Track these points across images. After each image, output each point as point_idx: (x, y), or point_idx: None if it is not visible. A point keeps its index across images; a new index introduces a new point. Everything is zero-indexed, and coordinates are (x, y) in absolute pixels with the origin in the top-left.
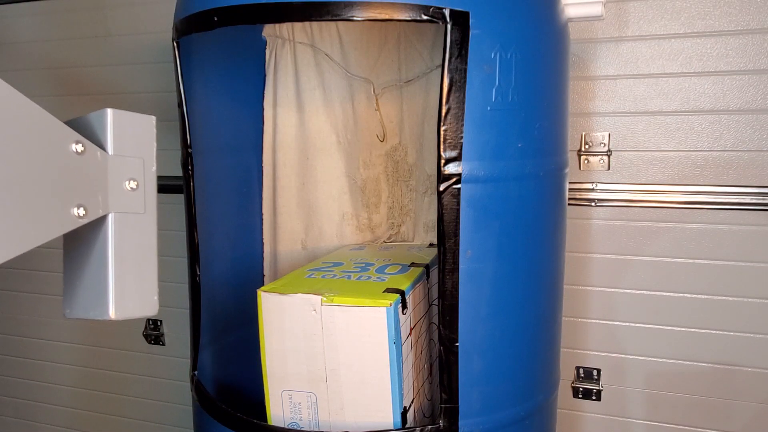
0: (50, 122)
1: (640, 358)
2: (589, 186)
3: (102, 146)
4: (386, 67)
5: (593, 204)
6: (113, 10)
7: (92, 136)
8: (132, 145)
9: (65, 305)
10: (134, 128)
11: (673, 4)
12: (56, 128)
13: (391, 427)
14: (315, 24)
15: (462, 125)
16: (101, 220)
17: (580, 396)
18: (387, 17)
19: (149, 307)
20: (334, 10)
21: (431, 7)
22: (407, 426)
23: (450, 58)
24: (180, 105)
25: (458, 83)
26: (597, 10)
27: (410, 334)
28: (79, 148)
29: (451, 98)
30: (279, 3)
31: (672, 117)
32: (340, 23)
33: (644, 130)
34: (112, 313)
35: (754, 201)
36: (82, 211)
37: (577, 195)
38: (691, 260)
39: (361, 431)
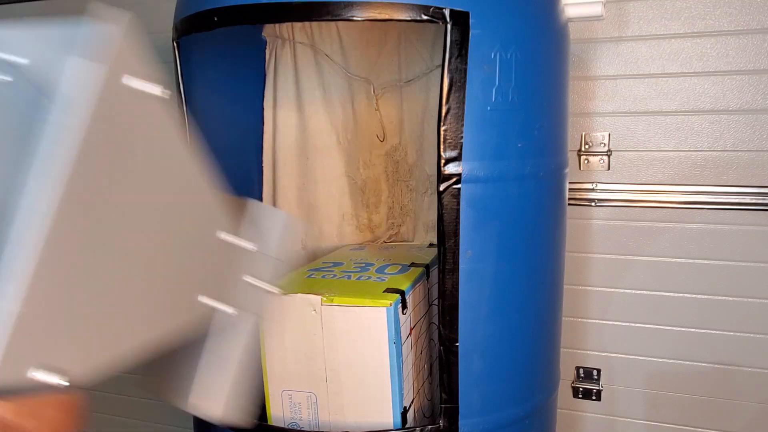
0: (214, 210)
1: (640, 358)
2: (589, 186)
3: (258, 240)
4: (386, 68)
5: (593, 204)
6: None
7: (241, 224)
8: (275, 245)
9: (158, 389)
10: (272, 223)
11: (673, 4)
12: (216, 218)
13: (391, 427)
14: (315, 24)
15: (462, 125)
16: (222, 316)
17: (580, 396)
18: (387, 17)
19: (231, 412)
20: (334, 10)
21: (431, 7)
22: (407, 426)
23: (450, 58)
24: (180, 105)
25: (458, 83)
26: (597, 10)
27: (410, 334)
28: (228, 239)
29: (451, 98)
30: (279, 3)
31: (672, 117)
32: (340, 23)
33: (644, 130)
34: (189, 406)
35: (754, 201)
36: (212, 303)
37: (577, 195)
38: (691, 260)
39: (361, 431)
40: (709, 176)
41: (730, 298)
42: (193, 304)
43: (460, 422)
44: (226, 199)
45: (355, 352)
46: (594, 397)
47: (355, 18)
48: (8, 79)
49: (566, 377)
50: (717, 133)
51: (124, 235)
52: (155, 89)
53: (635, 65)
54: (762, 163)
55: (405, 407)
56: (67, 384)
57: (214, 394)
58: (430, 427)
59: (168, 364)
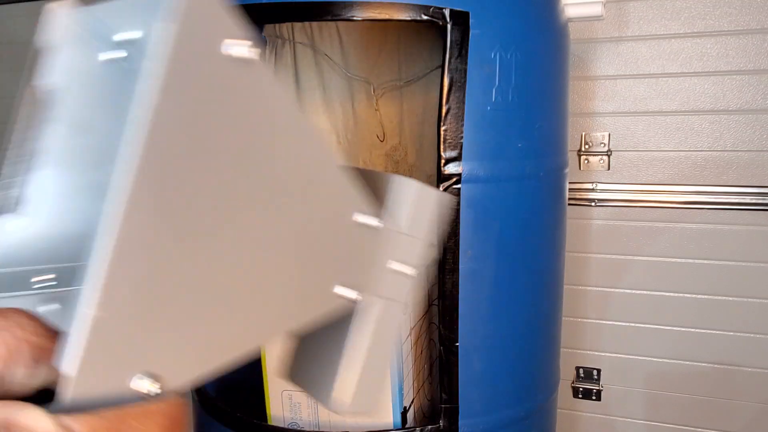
0: (345, 186)
1: (640, 358)
2: (589, 186)
3: (388, 217)
4: (386, 68)
5: (593, 204)
6: None
7: (375, 202)
8: (412, 222)
9: (290, 375)
10: (419, 203)
11: (673, 4)
12: (348, 194)
13: (391, 427)
14: (315, 24)
15: (462, 125)
16: (361, 304)
17: (580, 396)
18: (387, 17)
19: (373, 407)
20: (334, 10)
21: (431, 7)
22: (407, 426)
23: (450, 58)
24: None
25: (458, 83)
26: (597, 10)
27: (410, 334)
28: (364, 220)
29: (451, 98)
30: (279, 3)
31: (672, 117)
32: (340, 23)
33: (644, 130)
34: (347, 407)
35: (754, 201)
36: (347, 292)
37: (577, 195)
38: (691, 260)
39: (361, 431)
40: (709, 176)
41: (730, 298)
42: (323, 294)
43: (460, 422)
44: (356, 173)
45: None
46: (594, 397)
47: (355, 18)
48: (123, 54)
49: (566, 377)
50: (717, 133)
51: (235, 222)
52: (244, 50)
53: (635, 65)
54: (762, 163)
55: (405, 407)
56: (159, 392)
57: (342, 384)
58: (430, 427)
59: (305, 354)
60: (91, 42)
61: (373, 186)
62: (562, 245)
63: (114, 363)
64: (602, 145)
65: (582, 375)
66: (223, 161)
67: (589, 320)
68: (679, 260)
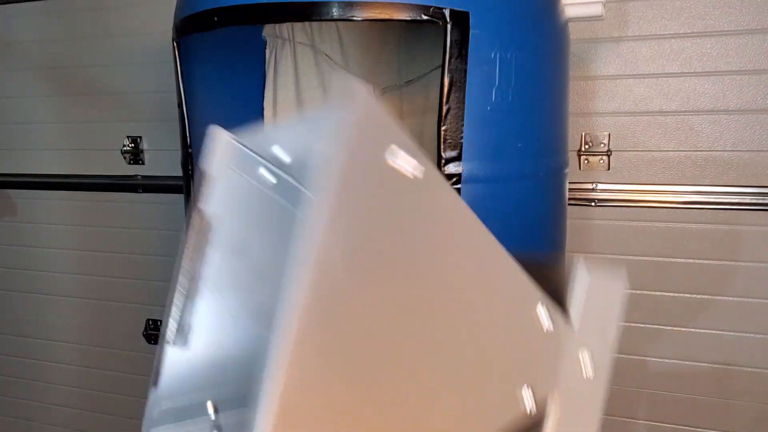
0: (521, 282)
1: (640, 358)
2: (589, 186)
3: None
4: (386, 68)
5: (593, 204)
6: (113, 10)
7: (552, 295)
8: (597, 313)
9: None
10: (604, 296)
11: (673, 4)
12: (526, 290)
13: None
14: (315, 24)
15: (462, 125)
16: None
17: None
18: (387, 17)
19: None
20: (334, 10)
21: (431, 7)
22: None
23: (450, 58)
24: (180, 105)
25: (458, 83)
26: (597, 10)
27: None
28: (545, 317)
29: (451, 98)
30: (279, 3)
31: (672, 117)
32: (340, 23)
33: (644, 130)
34: None
35: (754, 201)
36: (530, 396)
37: (577, 195)
38: (691, 260)
39: None
40: (709, 176)
41: (730, 298)
42: (508, 399)
43: None
44: (535, 265)
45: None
46: None
47: (355, 18)
48: (273, 181)
49: None
50: (717, 133)
51: (413, 340)
52: (410, 166)
53: (635, 65)
54: (762, 163)
55: None
56: None
57: None
58: None
59: None
60: (246, 169)
61: (565, 275)
62: (562, 245)
63: None
64: (602, 145)
65: None
66: (394, 276)
67: None
68: (679, 260)
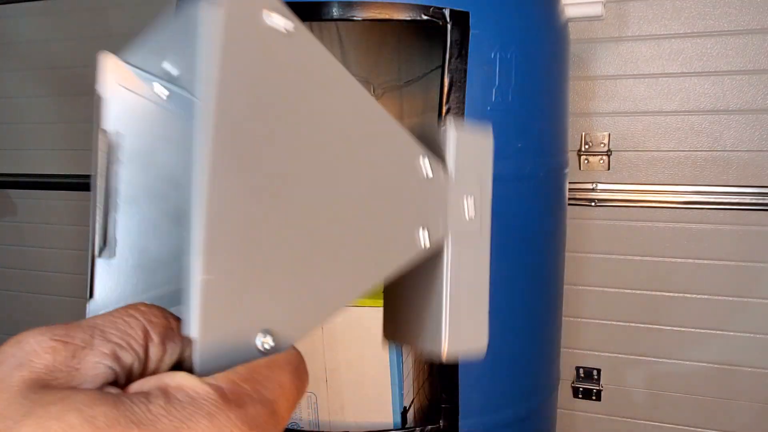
0: (402, 136)
1: (640, 358)
2: (589, 186)
3: (441, 163)
4: (386, 68)
5: (593, 204)
6: (113, 10)
7: (432, 151)
8: (470, 163)
9: (388, 333)
10: (472, 143)
11: (673, 4)
12: (407, 143)
13: (391, 427)
14: (315, 24)
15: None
16: (437, 248)
17: (580, 396)
18: (387, 17)
19: (479, 345)
20: (334, 10)
21: (431, 7)
22: (407, 426)
23: (450, 58)
24: None
25: (458, 83)
26: (597, 10)
27: None
28: (426, 166)
29: (451, 98)
30: None
31: (672, 117)
32: (340, 23)
33: (644, 130)
34: (443, 352)
35: (754, 201)
36: (426, 236)
37: (577, 195)
38: (691, 260)
39: (361, 431)
40: (709, 176)
41: (730, 298)
42: (403, 242)
43: (460, 422)
44: (415, 124)
45: (355, 352)
46: (594, 397)
47: (355, 18)
48: (165, 94)
49: (566, 377)
50: (717, 133)
51: (314, 180)
52: (282, 23)
53: (635, 65)
54: (762, 163)
55: (405, 407)
56: (273, 346)
57: (428, 331)
58: (430, 427)
59: (398, 311)
60: (137, 86)
61: (426, 136)
62: (562, 245)
63: (230, 322)
64: (602, 145)
65: (582, 375)
66: (289, 127)
67: (589, 320)
68: (679, 260)
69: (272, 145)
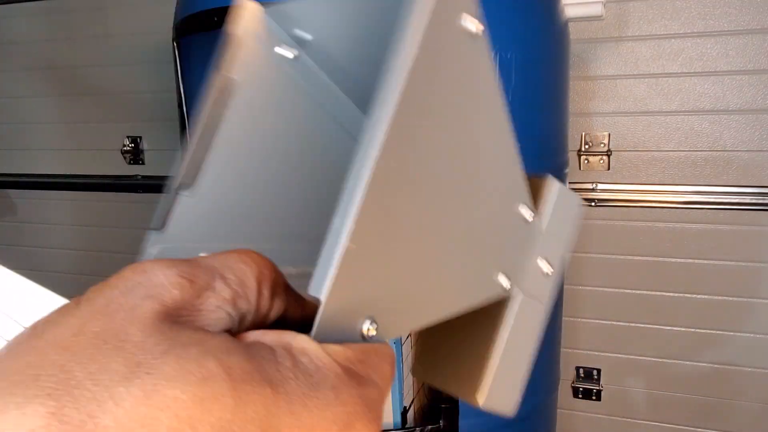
0: (518, 174)
1: (640, 358)
2: (589, 186)
3: (539, 213)
4: None
5: (593, 204)
6: (113, 10)
7: (536, 201)
8: (560, 223)
9: (425, 371)
10: (567, 205)
11: (673, 4)
12: (519, 183)
13: (391, 427)
14: None
15: None
16: (506, 297)
17: (580, 396)
18: None
19: (511, 405)
20: None
21: None
22: (407, 426)
23: None
24: (180, 105)
25: None
26: (597, 10)
27: (410, 334)
28: (527, 213)
29: None
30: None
31: (672, 117)
32: None
33: (644, 130)
34: (481, 401)
35: (754, 201)
36: (506, 281)
37: None
38: (691, 260)
39: None
40: (709, 176)
41: (730, 298)
42: (484, 280)
43: (460, 422)
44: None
45: None
46: (594, 397)
47: None
48: (291, 55)
49: (566, 377)
50: (717, 133)
51: (446, 187)
52: (473, 25)
53: (635, 65)
54: (762, 163)
55: (405, 407)
56: (375, 335)
57: (471, 376)
58: (430, 427)
59: (442, 349)
60: (270, 39)
61: (540, 189)
62: None
63: (352, 296)
64: (602, 145)
65: (582, 375)
66: (447, 130)
67: (589, 320)
68: (679, 260)
69: (429, 143)
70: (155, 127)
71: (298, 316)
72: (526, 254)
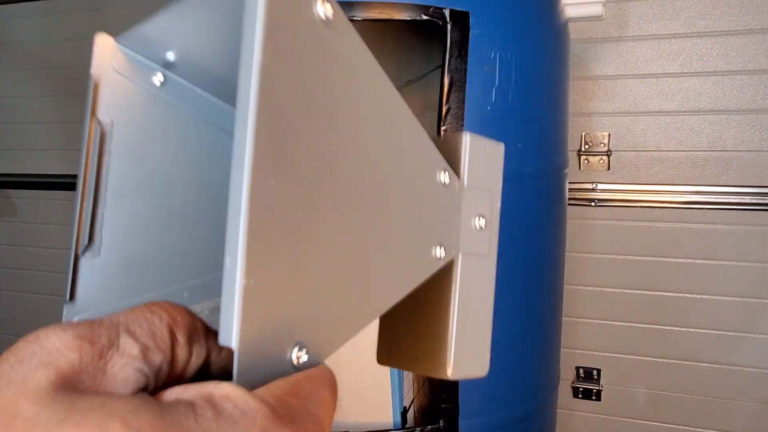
0: (426, 145)
1: (640, 358)
2: (589, 186)
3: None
4: (386, 68)
5: (593, 204)
6: (113, 10)
7: (448, 161)
8: (483, 176)
9: (380, 352)
10: (486, 156)
11: (673, 4)
12: (430, 152)
13: (391, 427)
14: None
15: (462, 125)
16: (448, 264)
17: (580, 396)
18: (387, 17)
19: (481, 367)
20: None
21: (431, 7)
22: (407, 426)
23: (450, 58)
24: None
25: (458, 83)
26: (597, 10)
27: None
28: (446, 178)
29: (451, 98)
30: None
31: (672, 117)
32: None
33: (644, 130)
34: (449, 372)
35: (754, 201)
36: (441, 252)
37: (577, 195)
38: (691, 260)
39: (361, 431)
40: (709, 176)
41: (730, 298)
42: (423, 258)
43: (460, 422)
44: (436, 136)
45: (354, 352)
46: (594, 397)
47: (355, 18)
48: (160, 81)
49: (566, 377)
50: (717, 133)
51: (345, 187)
52: (323, 10)
53: (635, 65)
54: (762, 163)
55: (405, 407)
56: (307, 360)
57: (432, 350)
58: (430, 427)
59: (393, 328)
60: (132, 72)
61: (456, 146)
62: (562, 245)
63: (267, 331)
64: (602, 145)
65: (582, 375)
66: (326, 123)
67: (589, 320)
68: (679, 260)
69: (313, 142)
70: None
71: (226, 357)
72: (455, 216)
